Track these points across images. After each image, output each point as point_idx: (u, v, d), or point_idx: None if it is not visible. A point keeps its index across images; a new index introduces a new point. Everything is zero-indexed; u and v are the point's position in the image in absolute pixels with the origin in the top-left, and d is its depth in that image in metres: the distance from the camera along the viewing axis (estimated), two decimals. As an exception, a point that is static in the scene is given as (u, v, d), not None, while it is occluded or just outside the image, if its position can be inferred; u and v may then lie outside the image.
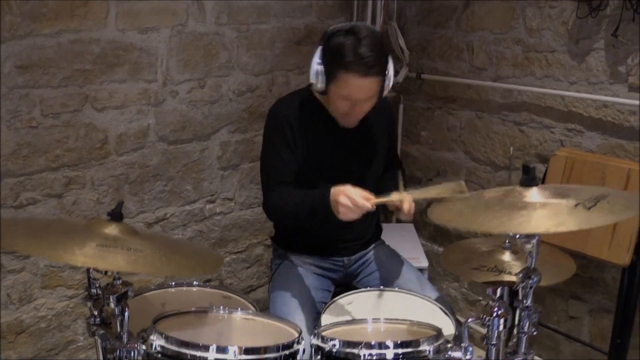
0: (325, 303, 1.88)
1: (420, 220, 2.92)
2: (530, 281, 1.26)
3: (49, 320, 2.13)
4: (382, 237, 2.10)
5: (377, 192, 1.64)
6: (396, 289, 1.83)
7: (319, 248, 1.95)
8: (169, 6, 2.14)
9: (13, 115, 1.89)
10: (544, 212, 1.12)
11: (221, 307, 1.46)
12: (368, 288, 1.84)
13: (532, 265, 1.26)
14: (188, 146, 2.34)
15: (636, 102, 1.99)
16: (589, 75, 2.13)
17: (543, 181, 2.18)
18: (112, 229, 1.31)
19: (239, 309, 1.47)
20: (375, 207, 1.57)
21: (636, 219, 1.90)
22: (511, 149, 2.25)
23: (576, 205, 1.11)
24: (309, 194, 1.70)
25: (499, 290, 1.24)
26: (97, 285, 1.32)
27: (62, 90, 1.97)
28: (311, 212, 1.70)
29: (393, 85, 2.77)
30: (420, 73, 2.71)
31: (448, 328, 1.61)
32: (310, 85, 1.84)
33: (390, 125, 2.01)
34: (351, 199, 1.54)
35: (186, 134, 2.32)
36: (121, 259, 1.17)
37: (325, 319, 1.65)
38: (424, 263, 2.47)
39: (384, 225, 2.15)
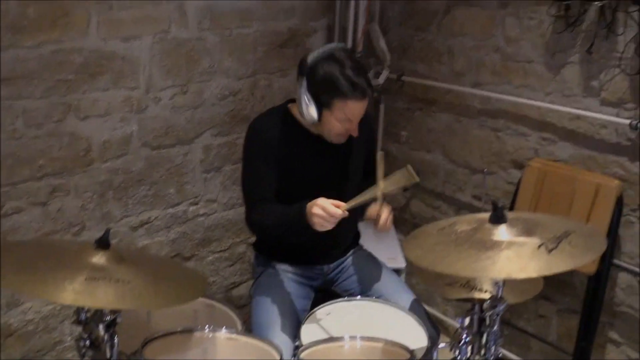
0: (306, 311, 1.97)
1: (399, 216, 3.00)
2: (497, 309, 1.34)
3: (36, 323, 2.17)
4: (361, 235, 2.16)
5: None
6: (373, 298, 1.91)
7: (299, 257, 2.02)
8: (151, 14, 2.14)
9: (-4, 127, 1.90)
10: (508, 254, 1.19)
11: (206, 327, 1.52)
12: (346, 298, 1.92)
13: (499, 295, 1.34)
14: (171, 151, 2.37)
15: (607, 117, 2.06)
16: (564, 88, 2.19)
17: (517, 190, 2.26)
18: (99, 258, 1.35)
19: (224, 328, 1.54)
20: (347, 212, 1.64)
21: (604, 229, 2.00)
22: (485, 170, 2.31)
23: (539, 247, 1.19)
24: (288, 210, 1.76)
25: (467, 320, 1.32)
26: (86, 310, 1.37)
27: (45, 100, 1.98)
28: (291, 227, 1.77)
29: (375, 87, 2.83)
30: (401, 75, 2.75)
31: (421, 339, 1.70)
32: (288, 102, 1.89)
33: (368, 134, 2.06)
34: (324, 208, 1.61)
35: (169, 139, 2.34)
36: (109, 294, 1.22)
37: (305, 330, 1.73)
38: (402, 263, 2.56)
39: (362, 224, 2.21)
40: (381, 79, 2.77)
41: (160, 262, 1.63)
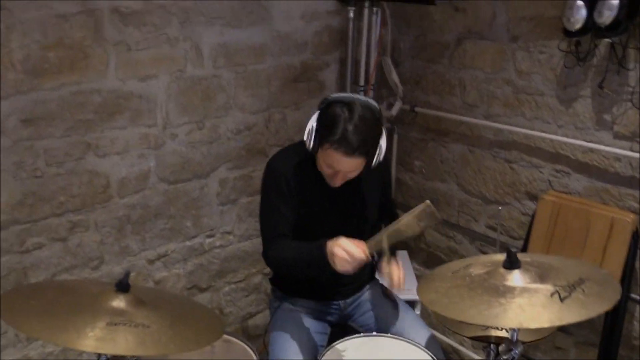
0: (323, 346, 1.98)
1: (415, 246, 3.01)
2: (512, 352, 1.34)
3: (55, 356, 2.21)
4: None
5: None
6: (388, 334, 1.91)
7: (316, 292, 2.03)
8: (168, 54, 2.20)
9: (18, 166, 1.95)
10: (521, 302, 1.19)
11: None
12: (362, 334, 1.93)
13: (515, 339, 1.34)
14: (188, 185, 2.41)
15: (620, 150, 2.06)
16: (576, 121, 2.20)
17: (531, 224, 2.26)
18: (119, 302, 1.38)
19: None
20: (370, 257, 1.65)
21: (620, 264, 1.99)
22: (499, 209, 2.31)
23: (552, 295, 1.19)
24: (307, 248, 1.77)
25: (483, 364, 1.32)
26: (107, 357, 1.40)
27: (66, 140, 2.04)
28: (309, 265, 1.77)
29: (388, 118, 2.85)
30: (414, 106, 2.77)
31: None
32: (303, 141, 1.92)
33: (385, 177, 2.07)
34: (347, 251, 1.62)
35: (186, 173, 2.39)
36: (130, 340, 1.24)
37: (324, 361, 1.74)
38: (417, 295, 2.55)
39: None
40: (394, 110, 2.80)
41: (177, 301, 1.64)
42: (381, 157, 1.77)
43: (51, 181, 2.04)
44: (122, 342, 1.24)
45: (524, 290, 1.23)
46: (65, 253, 2.14)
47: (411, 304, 2.53)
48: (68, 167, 2.07)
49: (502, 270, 1.31)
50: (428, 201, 1.62)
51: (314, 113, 1.77)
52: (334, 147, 1.67)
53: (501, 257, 1.38)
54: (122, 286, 1.42)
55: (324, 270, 1.69)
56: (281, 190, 1.86)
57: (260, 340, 2.82)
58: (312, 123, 1.75)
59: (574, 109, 2.20)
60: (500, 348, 1.34)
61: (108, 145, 2.14)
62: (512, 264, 1.29)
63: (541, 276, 1.27)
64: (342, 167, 1.73)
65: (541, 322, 1.14)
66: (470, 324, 1.69)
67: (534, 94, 2.32)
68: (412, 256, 3.01)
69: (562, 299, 1.17)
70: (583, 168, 2.22)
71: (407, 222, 1.66)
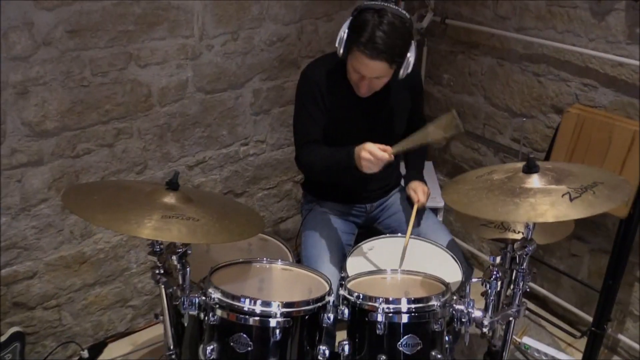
0: (350, 245, 2.15)
1: (439, 157, 3.11)
2: (526, 249, 1.47)
3: (106, 252, 2.43)
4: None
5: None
6: (412, 236, 2.06)
7: (345, 196, 2.18)
8: (204, -36, 2.23)
9: (66, 76, 2.07)
10: (532, 201, 1.30)
11: (264, 259, 1.71)
12: (387, 235, 2.08)
13: (529, 237, 1.47)
14: (223, 95, 2.51)
15: (650, 64, 2.08)
16: (608, 34, 2.20)
17: (555, 136, 2.33)
18: (170, 198, 1.53)
19: (279, 260, 1.73)
20: (393, 157, 1.76)
21: (637, 175, 2.07)
22: (522, 121, 2.36)
23: (563, 195, 1.29)
24: (336, 152, 1.89)
25: (498, 258, 1.45)
26: (160, 243, 1.57)
27: (109, 50, 2.13)
28: (338, 168, 1.90)
29: (418, 30, 2.86)
30: (444, 18, 2.77)
31: (456, 274, 1.86)
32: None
33: (415, 91, 2.14)
34: (372, 152, 1.73)
35: (221, 84, 2.48)
36: (182, 230, 1.40)
37: (351, 262, 1.91)
38: (441, 203, 2.69)
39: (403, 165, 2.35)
40: (425, 22, 2.81)
41: (221, 201, 1.80)
42: (409, 69, 1.82)
43: (97, 90, 2.16)
44: (176, 231, 1.40)
45: (539, 191, 1.34)
46: (111, 158, 2.29)
47: (434, 211, 2.69)
48: (112, 77, 2.18)
49: (521, 174, 1.41)
50: (454, 111, 1.71)
51: (344, 22, 1.82)
52: (360, 49, 1.74)
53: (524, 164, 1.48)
54: (173, 185, 1.57)
55: (352, 173, 1.82)
56: (315, 98, 1.96)
57: (291, 241, 3.03)
58: (344, 29, 1.81)
59: (607, 22, 2.19)
60: (515, 245, 1.47)
61: (148, 55, 2.23)
62: (530, 168, 1.39)
63: (558, 180, 1.37)
64: (367, 71, 1.80)
65: (547, 218, 1.25)
66: (489, 227, 1.81)
67: (567, 7, 2.30)
68: (437, 167, 3.12)
69: (571, 199, 1.27)
70: (611, 82, 2.25)
71: (431, 131, 1.76)
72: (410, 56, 1.80)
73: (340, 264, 1.98)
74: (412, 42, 1.80)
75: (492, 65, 2.69)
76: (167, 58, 2.28)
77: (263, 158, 2.78)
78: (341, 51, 1.84)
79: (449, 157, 3.07)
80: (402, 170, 2.33)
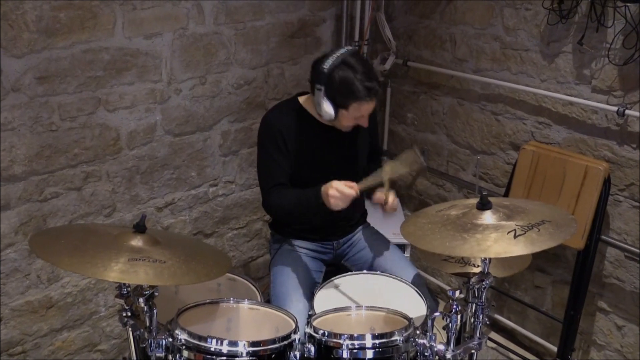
0: (319, 283, 2.18)
1: (406, 193, 3.19)
2: (483, 283, 1.53)
3: (74, 296, 2.41)
4: (369, 211, 2.36)
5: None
6: (377, 272, 2.11)
7: (312, 234, 2.22)
8: (171, 12, 2.30)
9: (35, 121, 2.10)
10: (479, 237, 1.36)
11: (231, 299, 1.74)
12: (353, 272, 2.12)
13: (486, 270, 1.53)
14: (192, 137, 2.56)
15: (597, 103, 2.20)
16: (558, 75, 2.33)
17: (513, 171, 2.42)
18: (137, 241, 1.56)
19: (246, 300, 1.75)
20: (359, 193, 1.83)
21: (592, 208, 2.17)
22: (477, 159, 2.46)
23: (509, 232, 1.36)
24: (303, 193, 1.95)
25: (457, 292, 1.51)
26: (127, 286, 1.58)
27: (78, 95, 2.17)
28: (307, 208, 1.95)
29: (382, 72, 2.97)
30: (406, 60, 2.89)
31: (421, 309, 1.90)
32: (297, 95, 2.07)
33: (372, 123, 2.23)
34: (339, 189, 1.80)
35: (190, 126, 2.53)
36: (149, 272, 1.42)
37: (318, 300, 1.94)
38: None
39: (370, 204, 2.39)
40: (388, 65, 2.92)
41: (188, 242, 1.82)
42: None
43: (65, 134, 2.19)
44: (143, 274, 1.42)
45: (487, 227, 1.41)
46: (80, 201, 2.30)
47: (401, 247, 2.74)
48: (81, 121, 2.21)
49: (475, 210, 1.48)
50: (415, 147, 1.81)
51: (316, 93, 1.91)
52: (363, 100, 1.87)
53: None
54: (140, 228, 1.60)
55: (320, 211, 1.88)
56: (277, 143, 2.02)
57: (262, 282, 3.04)
58: (323, 100, 1.91)
59: (556, 64, 2.33)
60: (473, 279, 1.53)
61: (117, 100, 2.28)
62: (483, 205, 1.46)
63: (509, 216, 1.44)
64: (367, 111, 1.94)
65: (488, 253, 1.33)
66: (450, 261, 1.88)
67: (520, 50, 2.44)
68: (404, 203, 3.19)
69: (515, 236, 1.34)
70: (563, 120, 2.37)
71: (394, 166, 1.85)
72: None
73: (309, 301, 2.01)
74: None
75: (452, 105, 2.80)
76: (135, 102, 2.33)
77: (232, 198, 2.81)
78: (330, 115, 1.94)
79: (415, 193, 3.15)
80: (367, 206, 2.38)
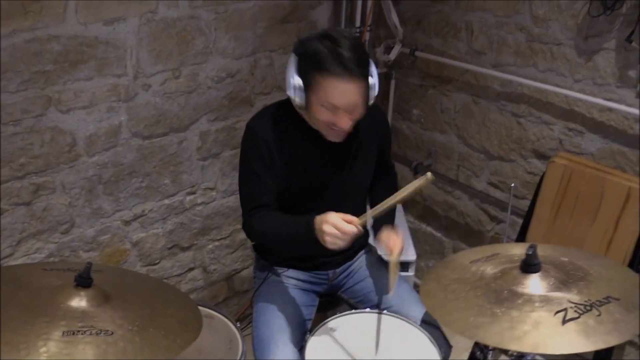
0: (311, 319, 1.86)
1: (409, 200, 2.85)
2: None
3: None
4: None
5: (370, 202, 1.62)
6: (383, 312, 1.78)
7: (303, 262, 1.88)
8: (137, -8, 1.91)
9: (-31, 126, 1.73)
10: (514, 316, 1.02)
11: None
12: (354, 311, 1.79)
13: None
14: (164, 139, 2.19)
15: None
16: (596, 75, 1.98)
17: (538, 187, 2.09)
18: (79, 300, 1.22)
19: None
20: (362, 229, 1.49)
21: (634, 236, 1.84)
22: (512, 185, 2.11)
23: (556, 313, 1.01)
24: (292, 222, 1.61)
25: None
26: None
27: (22, 94, 1.79)
28: (295, 241, 1.62)
29: (385, 62, 2.60)
30: (414, 49, 2.51)
31: (433, 355, 1.60)
32: (289, 97, 1.68)
33: (382, 134, 1.87)
34: (336, 226, 1.46)
35: (162, 127, 2.16)
36: (89, 352, 1.09)
37: (312, 345, 1.62)
38: (412, 256, 2.43)
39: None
40: (393, 54, 2.55)
41: (149, 293, 1.45)
42: (375, 93, 1.58)
43: (8, 141, 1.82)
44: (80, 355, 1.08)
45: (529, 300, 1.06)
46: (30, 218, 1.95)
47: (405, 265, 2.42)
48: (27, 125, 1.84)
49: (516, 272, 1.13)
50: (429, 174, 1.44)
51: (287, 67, 1.55)
52: (330, 73, 1.46)
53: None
54: (83, 281, 1.25)
55: (311, 247, 1.54)
56: (262, 156, 1.66)
57: (246, 295, 2.72)
58: (291, 74, 1.54)
59: (595, 62, 1.97)
60: (490, 355, 1.20)
61: (72, 98, 1.90)
62: (528, 266, 1.11)
63: (563, 283, 1.10)
64: (342, 97, 1.50)
65: (521, 346, 0.97)
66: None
67: (550, 43, 2.07)
68: (407, 210, 2.86)
69: (564, 321, 0.99)
70: (599, 128, 2.03)
71: (404, 196, 1.48)
72: (375, 77, 1.56)
73: (300, 343, 1.69)
74: (371, 60, 1.56)
75: (466, 103, 2.44)
76: (95, 101, 1.95)
77: (213, 207, 2.46)
78: (297, 100, 1.55)
79: (420, 198, 2.81)
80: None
